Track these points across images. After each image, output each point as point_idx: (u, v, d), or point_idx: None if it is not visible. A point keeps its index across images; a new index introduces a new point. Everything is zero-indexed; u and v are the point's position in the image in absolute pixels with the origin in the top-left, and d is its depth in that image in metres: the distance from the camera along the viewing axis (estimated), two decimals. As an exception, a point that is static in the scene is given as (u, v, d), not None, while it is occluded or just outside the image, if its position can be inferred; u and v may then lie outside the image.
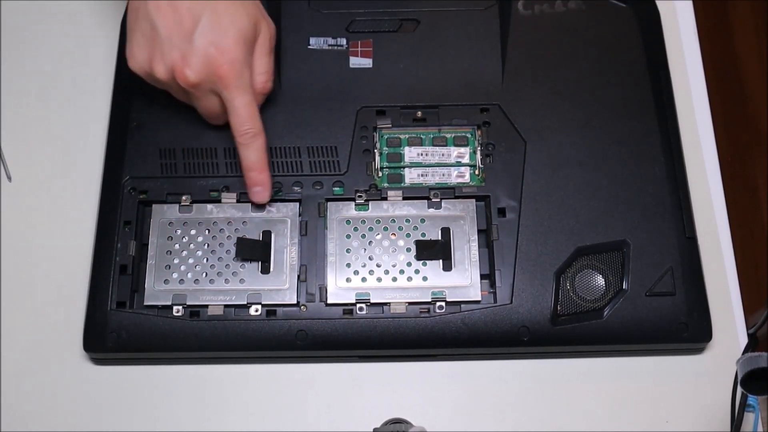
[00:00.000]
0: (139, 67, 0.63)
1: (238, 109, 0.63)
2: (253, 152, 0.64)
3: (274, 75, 0.67)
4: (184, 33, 0.61)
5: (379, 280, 0.64)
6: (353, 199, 0.66)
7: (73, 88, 0.73)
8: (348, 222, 0.66)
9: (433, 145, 0.68)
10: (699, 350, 0.65)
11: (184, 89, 0.63)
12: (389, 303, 0.63)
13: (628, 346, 0.64)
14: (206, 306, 0.63)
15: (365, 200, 0.66)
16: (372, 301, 0.63)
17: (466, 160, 0.68)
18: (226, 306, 0.63)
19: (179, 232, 0.65)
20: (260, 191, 0.65)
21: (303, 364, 0.64)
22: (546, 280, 0.64)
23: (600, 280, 0.64)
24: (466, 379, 0.64)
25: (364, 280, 0.64)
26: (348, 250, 0.65)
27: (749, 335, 0.64)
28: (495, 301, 0.64)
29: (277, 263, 0.64)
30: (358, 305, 0.63)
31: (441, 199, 0.66)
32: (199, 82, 0.62)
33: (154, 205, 0.66)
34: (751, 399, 0.56)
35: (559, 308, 0.63)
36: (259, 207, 0.66)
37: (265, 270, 0.64)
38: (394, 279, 0.64)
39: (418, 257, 0.65)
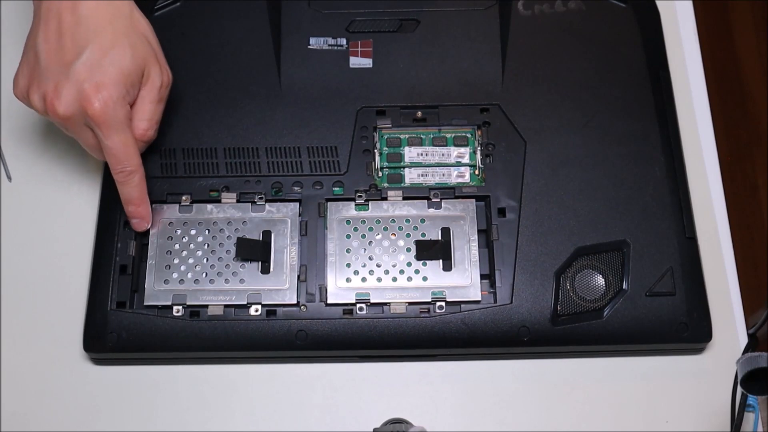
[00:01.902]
0: (20, 94, 0.62)
1: (111, 149, 0.61)
2: (130, 189, 0.63)
3: (158, 124, 0.64)
4: (63, 64, 0.59)
5: (379, 280, 0.64)
6: (353, 199, 0.66)
7: (73, 88, 0.73)
8: (348, 222, 0.66)
9: (433, 145, 0.68)
10: (699, 350, 0.65)
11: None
12: (389, 303, 0.63)
13: (628, 346, 0.64)
14: (206, 306, 0.63)
15: (365, 200, 0.66)
16: (372, 301, 0.63)
17: (466, 160, 0.68)
18: (226, 306, 0.63)
19: (179, 232, 0.65)
20: (138, 222, 0.64)
21: (303, 364, 0.64)
22: (546, 280, 0.64)
23: (600, 280, 0.64)
24: (466, 379, 0.64)
25: (364, 280, 0.64)
26: (348, 250, 0.65)
27: (749, 335, 0.64)
28: (495, 301, 0.64)
29: (277, 263, 0.64)
30: (358, 305, 0.63)
31: (441, 199, 0.66)
32: (69, 116, 0.60)
33: (154, 205, 0.66)
34: (751, 399, 0.56)
35: (559, 308, 0.63)
36: (259, 207, 0.66)
37: (265, 270, 0.64)
38: (394, 279, 0.64)
39: (418, 257, 0.65)
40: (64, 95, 0.60)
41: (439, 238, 0.65)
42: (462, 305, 0.63)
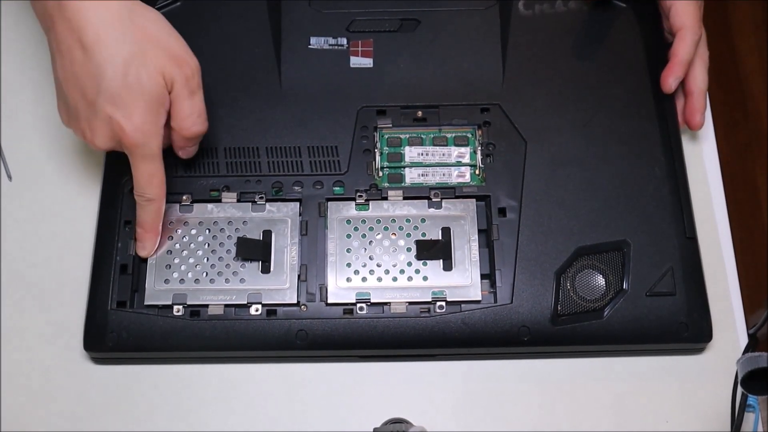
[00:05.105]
0: (66, 126, 0.63)
1: (138, 177, 0.62)
2: (145, 213, 0.63)
3: (201, 116, 0.63)
4: (88, 102, 0.60)
5: (379, 279, 0.64)
6: (354, 199, 0.66)
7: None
8: (348, 222, 0.66)
9: (434, 145, 0.69)
10: (699, 350, 0.65)
11: None
12: (389, 303, 0.63)
13: (628, 346, 0.64)
14: (206, 306, 0.63)
15: (365, 200, 0.66)
16: (372, 300, 0.63)
17: (466, 159, 0.68)
18: (226, 306, 0.63)
19: (180, 231, 0.65)
20: (141, 246, 0.64)
21: (303, 364, 0.64)
22: (546, 280, 0.64)
23: (600, 280, 0.64)
24: (466, 379, 0.64)
25: (364, 279, 0.64)
26: (348, 250, 0.65)
27: (749, 335, 0.64)
28: (495, 300, 0.64)
29: (277, 263, 0.64)
30: (359, 305, 0.63)
31: (441, 198, 0.66)
32: (110, 148, 0.62)
33: (154, 205, 0.66)
34: (751, 399, 0.56)
35: (559, 308, 0.63)
36: (260, 206, 0.66)
37: (266, 270, 0.64)
38: (395, 279, 0.64)
39: (419, 257, 0.65)
40: (98, 133, 0.60)
41: (440, 238, 0.65)
42: (462, 305, 0.63)
